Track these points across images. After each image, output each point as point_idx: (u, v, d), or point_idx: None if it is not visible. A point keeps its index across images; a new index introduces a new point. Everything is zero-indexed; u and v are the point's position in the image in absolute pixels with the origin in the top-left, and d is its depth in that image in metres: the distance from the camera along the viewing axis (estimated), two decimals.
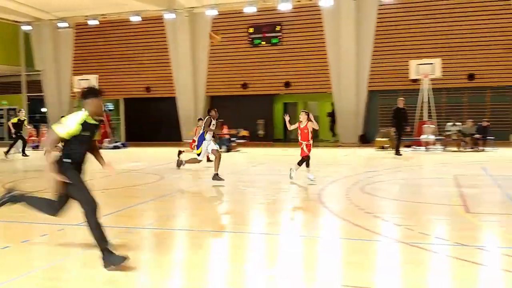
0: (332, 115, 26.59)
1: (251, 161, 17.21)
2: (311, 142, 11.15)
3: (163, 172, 13.44)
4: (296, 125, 11.25)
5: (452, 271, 5.26)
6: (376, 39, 23.87)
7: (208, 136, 11.68)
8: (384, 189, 10.71)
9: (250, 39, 25.94)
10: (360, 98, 24.36)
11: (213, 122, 11.74)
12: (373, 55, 24.02)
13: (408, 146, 20.47)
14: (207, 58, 26.63)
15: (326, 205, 8.68)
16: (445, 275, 5.13)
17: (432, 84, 20.83)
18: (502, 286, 4.81)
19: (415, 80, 21.76)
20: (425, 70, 20.57)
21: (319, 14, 24.38)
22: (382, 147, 20.57)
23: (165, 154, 19.25)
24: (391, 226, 7.10)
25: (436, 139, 20.19)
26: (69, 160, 5.28)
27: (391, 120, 17.87)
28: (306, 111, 11.25)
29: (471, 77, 22.90)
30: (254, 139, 25.09)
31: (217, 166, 11.25)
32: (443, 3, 22.87)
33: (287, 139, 27.17)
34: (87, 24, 27.33)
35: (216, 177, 11.15)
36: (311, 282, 4.90)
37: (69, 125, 5.18)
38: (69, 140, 5.23)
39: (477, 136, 19.63)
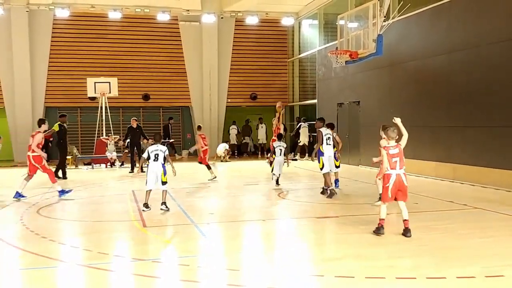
0: None
1: None
2: None
3: None
4: None
5: (132, 287, 5.43)
6: (51, 53, 22.92)
7: None
8: (62, 210, 10.36)
9: None
10: (36, 114, 22.94)
11: None
12: (49, 70, 23.03)
13: (88, 164, 20.31)
14: None
15: None
16: None
17: (110, 102, 21.23)
18: None
19: (93, 98, 21.83)
20: (102, 89, 20.83)
21: None
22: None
23: None
24: (69, 249, 6.92)
25: (118, 156, 20.63)
26: None
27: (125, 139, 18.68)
28: None
29: (146, 97, 24.26)
30: None
31: None
32: (115, 24, 23.43)
33: None
34: None
35: None
36: None
37: None
38: None
39: None
